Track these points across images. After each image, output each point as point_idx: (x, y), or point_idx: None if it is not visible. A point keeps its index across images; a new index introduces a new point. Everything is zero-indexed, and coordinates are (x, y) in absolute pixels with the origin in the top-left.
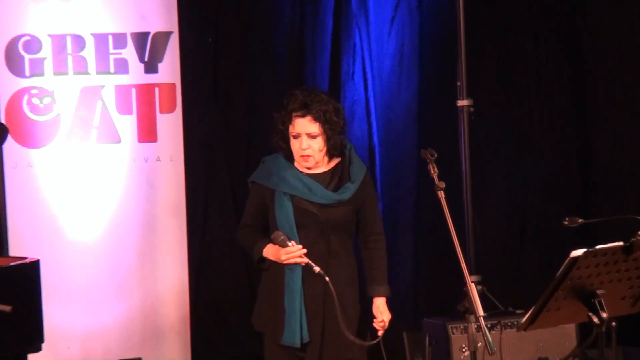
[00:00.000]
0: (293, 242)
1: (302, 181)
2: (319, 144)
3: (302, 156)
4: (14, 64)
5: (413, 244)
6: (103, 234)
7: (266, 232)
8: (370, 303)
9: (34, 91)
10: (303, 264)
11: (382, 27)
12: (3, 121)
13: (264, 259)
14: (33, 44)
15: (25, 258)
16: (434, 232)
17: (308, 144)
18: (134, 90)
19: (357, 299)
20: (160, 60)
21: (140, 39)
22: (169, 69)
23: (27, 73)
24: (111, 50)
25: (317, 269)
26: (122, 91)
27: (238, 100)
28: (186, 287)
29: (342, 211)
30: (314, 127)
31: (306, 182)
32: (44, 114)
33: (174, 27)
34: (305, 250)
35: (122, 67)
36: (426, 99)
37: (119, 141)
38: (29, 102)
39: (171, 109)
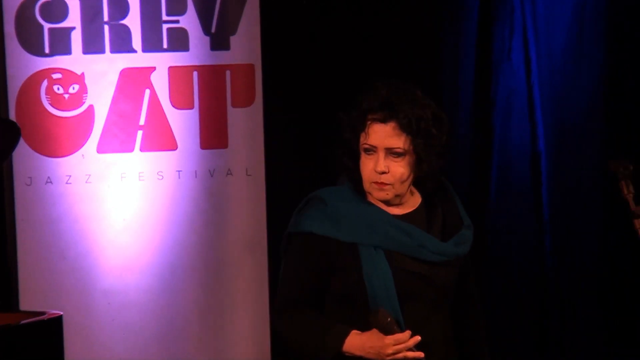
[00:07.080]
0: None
1: (402, 228)
2: (403, 168)
3: (376, 183)
4: (28, 36)
5: (597, 296)
6: (151, 278)
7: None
8: None
9: (55, 75)
10: None
11: None
12: (13, 118)
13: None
14: (55, 9)
15: (43, 313)
16: (627, 277)
17: (386, 165)
18: (196, 75)
19: None
20: (234, 32)
21: (206, 0)
22: (246, 45)
23: (47, 50)
24: (164, 17)
25: None
26: (179, 75)
27: (340, 88)
28: (268, 356)
29: (452, 272)
30: (399, 140)
31: (407, 230)
32: (70, 109)
33: None
34: (419, 338)
35: (179, 41)
36: (617, 88)
37: (174, 148)
38: (49, 91)
39: (248, 102)
